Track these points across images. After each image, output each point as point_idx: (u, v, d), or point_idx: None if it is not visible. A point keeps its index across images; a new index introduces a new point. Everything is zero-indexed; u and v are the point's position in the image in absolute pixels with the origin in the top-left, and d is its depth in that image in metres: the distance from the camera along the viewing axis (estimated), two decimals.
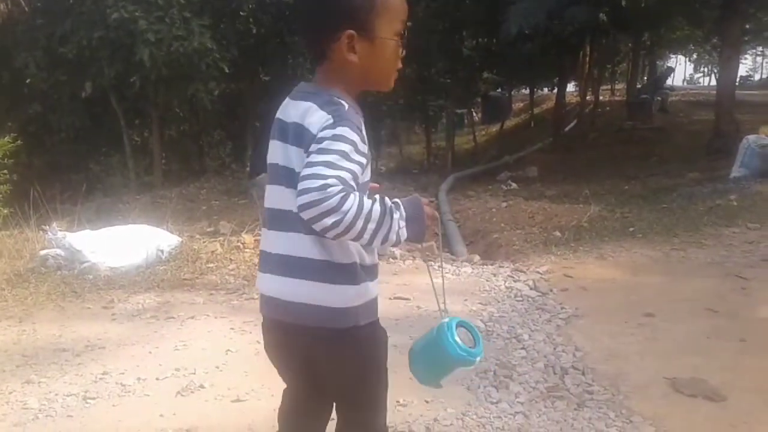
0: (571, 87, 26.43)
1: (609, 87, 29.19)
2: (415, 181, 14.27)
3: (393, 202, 1.37)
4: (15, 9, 11.70)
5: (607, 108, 22.15)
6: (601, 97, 22.68)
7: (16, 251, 5.51)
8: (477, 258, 5.74)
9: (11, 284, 4.79)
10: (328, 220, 1.26)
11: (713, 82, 34.96)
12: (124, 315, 4.18)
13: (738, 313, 3.81)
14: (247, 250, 5.69)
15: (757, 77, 50.74)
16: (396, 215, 1.35)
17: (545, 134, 19.72)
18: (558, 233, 6.33)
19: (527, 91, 26.77)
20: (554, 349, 3.38)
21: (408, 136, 26.42)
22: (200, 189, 12.69)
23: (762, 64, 58.42)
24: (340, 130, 1.34)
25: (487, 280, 4.78)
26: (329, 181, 1.26)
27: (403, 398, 2.75)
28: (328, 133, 1.34)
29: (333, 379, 1.57)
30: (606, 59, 23.94)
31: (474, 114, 26.12)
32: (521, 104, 30.18)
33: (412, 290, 4.37)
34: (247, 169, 15.21)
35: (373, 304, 1.54)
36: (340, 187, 1.26)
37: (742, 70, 43.65)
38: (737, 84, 14.16)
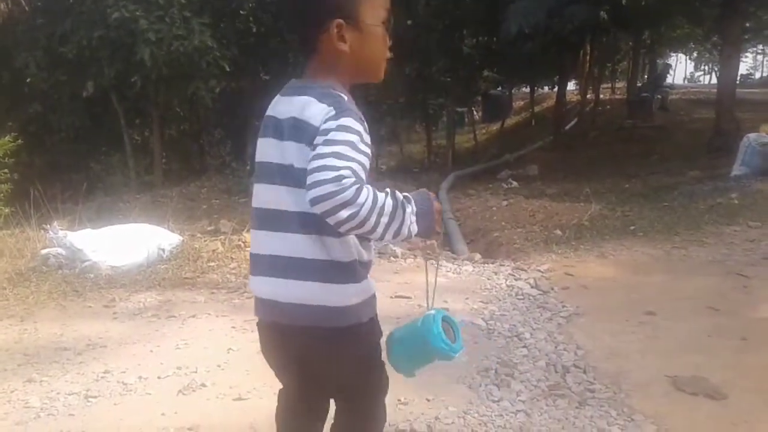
0: (571, 85, 26.36)
1: (609, 85, 29.10)
2: (415, 180, 14.23)
3: (404, 196, 1.36)
4: (15, 8, 11.69)
5: (608, 106, 22.09)
6: (601, 96, 22.62)
7: (18, 250, 5.52)
8: (478, 256, 5.74)
9: (13, 283, 4.80)
10: (344, 213, 1.23)
11: (714, 81, 34.91)
12: (126, 314, 4.19)
13: (739, 311, 3.82)
14: (248, 248, 5.69)
15: (757, 75, 50.60)
16: (408, 209, 1.34)
17: (546, 132, 19.69)
18: (559, 231, 6.33)
19: (528, 90, 26.72)
20: (555, 347, 3.38)
21: (408, 135, 26.36)
22: (201, 188, 12.70)
23: (762, 62, 58.33)
24: (345, 121, 1.32)
25: (488, 279, 4.79)
26: (342, 172, 1.23)
27: (405, 396, 2.75)
28: (332, 124, 1.31)
29: (334, 377, 1.57)
30: (606, 57, 23.88)
31: (474, 112, 26.07)
32: (522, 103, 30.12)
33: (414, 289, 4.37)
34: (248, 167, 15.19)
35: (373, 300, 1.54)
36: (354, 179, 1.23)
37: (743, 69, 43.58)
38: (738, 82, 14.13)
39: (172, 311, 4.18)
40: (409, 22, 13.84)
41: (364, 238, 1.45)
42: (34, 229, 6.08)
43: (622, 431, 2.51)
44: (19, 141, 7.95)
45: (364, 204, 1.23)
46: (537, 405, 2.74)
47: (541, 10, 12.42)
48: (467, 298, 4.26)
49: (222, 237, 6.22)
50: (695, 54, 44.10)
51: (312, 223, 1.38)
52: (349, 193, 1.22)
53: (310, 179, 1.25)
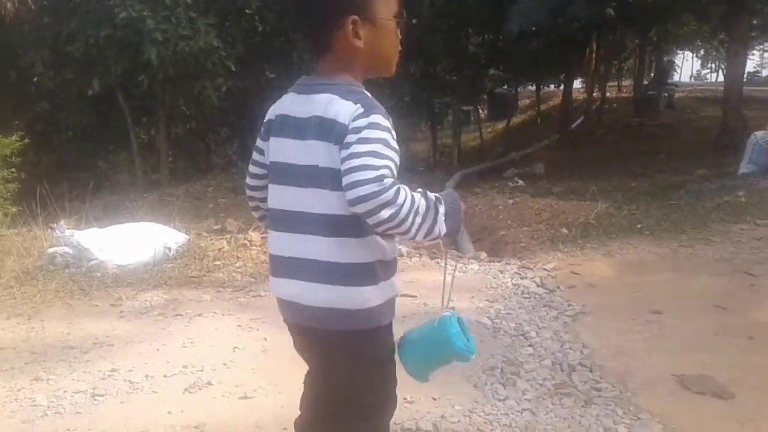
0: (577, 84, 26.31)
1: (616, 83, 29.04)
2: (421, 179, 14.24)
3: (435, 197, 1.35)
4: (22, 8, 11.72)
5: (614, 104, 22.07)
6: (607, 94, 22.55)
7: (25, 249, 5.54)
8: (484, 255, 5.73)
9: (20, 282, 4.82)
10: (385, 213, 1.22)
11: (720, 78, 34.82)
12: (132, 312, 4.20)
13: (746, 310, 3.79)
14: (254, 247, 5.71)
15: (764, 73, 50.36)
16: (441, 209, 1.33)
17: (552, 131, 19.66)
18: (565, 230, 6.32)
19: (533, 88, 26.70)
20: (561, 346, 3.37)
21: (414, 134, 26.35)
22: (207, 186, 12.72)
23: None
24: (375, 118, 1.30)
25: (493, 277, 4.78)
26: (382, 171, 1.22)
27: (410, 395, 2.75)
28: (363, 121, 1.29)
29: (348, 381, 1.52)
30: (612, 55, 23.82)
31: (480, 111, 26.06)
32: (527, 101, 30.11)
33: (419, 287, 4.36)
34: None
35: (393, 302, 1.51)
36: (393, 178, 1.23)
37: (750, 66, 43.41)
38: (744, 80, 14.08)
39: (178, 310, 4.19)
40: (414, 21, 13.82)
41: (390, 236, 1.43)
42: (41, 228, 6.10)
43: (629, 430, 2.50)
44: (26, 140, 7.97)
45: (403, 204, 1.23)
46: (543, 404, 2.73)
47: (542, 10, 12.38)
48: (473, 297, 4.25)
49: (228, 236, 6.23)
50: (702, 51, 43.87)
51: (334, 225, 1.36)
52: (390, 193, 1.21)
53: (348, 179, 1.23)
